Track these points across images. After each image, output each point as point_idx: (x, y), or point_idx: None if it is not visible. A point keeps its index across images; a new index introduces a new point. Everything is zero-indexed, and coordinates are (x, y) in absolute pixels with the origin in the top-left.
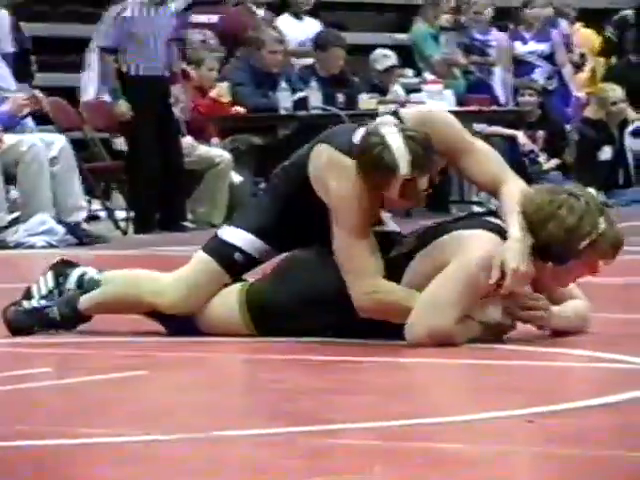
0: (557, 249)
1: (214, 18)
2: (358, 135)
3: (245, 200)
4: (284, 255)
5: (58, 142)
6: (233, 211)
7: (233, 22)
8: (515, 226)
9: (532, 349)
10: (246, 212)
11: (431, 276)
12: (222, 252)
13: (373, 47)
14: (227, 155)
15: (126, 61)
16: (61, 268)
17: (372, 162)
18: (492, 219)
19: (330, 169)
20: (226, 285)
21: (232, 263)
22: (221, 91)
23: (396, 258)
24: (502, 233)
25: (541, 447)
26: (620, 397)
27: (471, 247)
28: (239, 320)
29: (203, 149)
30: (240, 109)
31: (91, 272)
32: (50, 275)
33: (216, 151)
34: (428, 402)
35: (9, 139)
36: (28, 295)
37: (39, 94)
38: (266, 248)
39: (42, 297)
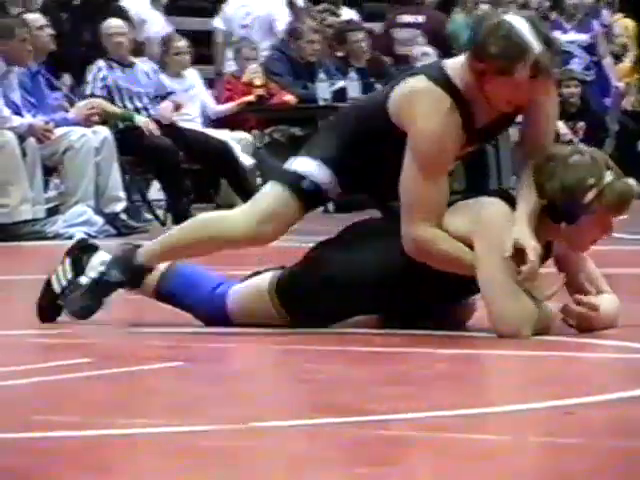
0: (564, 206)
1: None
2: (448, 64)
3: (256, 185)
4: (316, 242)
5: (102, 133)
6: (245, 196)
7: None
8: (524, 206)
9: (568, 340)
10: (314, 143)
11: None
12: (290, 178)
13: None
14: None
15: None
16: (79, 254)
17: (503, 41)
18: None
19: (421, 98)
20: (297, 218)
21: (300, 189)
22: (253, 75)
23: None
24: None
25: (578, 439)
26: None
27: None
28: (270, 307)
29: None
30: (290, 97)
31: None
32: (68, 263)
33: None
34: (467, 393)
35: (58, 131)
36: (49, 286)
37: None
38: (332, 179)
39: (64, 287)
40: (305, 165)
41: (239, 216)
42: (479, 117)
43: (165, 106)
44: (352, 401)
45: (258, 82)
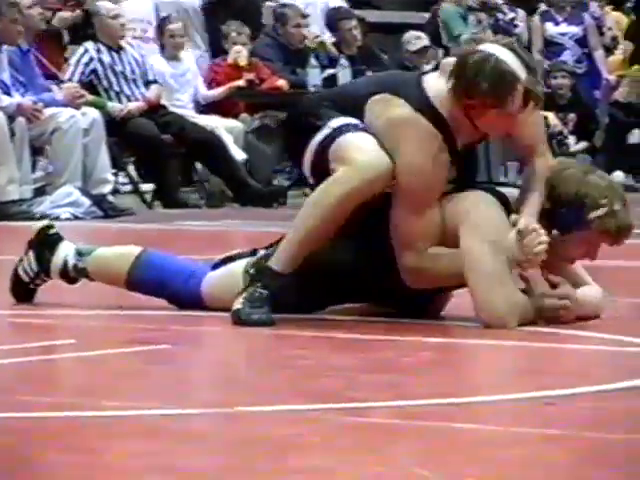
0: (567, 214)
1: None
2: (431, 87)
3: (246, 179)
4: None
5: (90, 114)
6: (240, 189)
7: None
8: (531, 208)
9: (552, 331)
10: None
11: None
12: (350, 128)
13: (404, 26)
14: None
15: None
16: (42, 249)
17: (492, 77)
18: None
19: (408, 131)
20: None
21: (362, 129)
22: (236, 55)
23: None
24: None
25: (559, 430)
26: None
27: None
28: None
29: None
30: (282, 82)
31: (72, 256)
32: (32, 257)
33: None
34: (450, 382)
35: (47, 111)
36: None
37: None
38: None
39: (32, 278)
40: (347, 119)
41: (358, 164)
42: (461, 139)
43: (152, 91)
44: (336, 388)
45: (242, 62)
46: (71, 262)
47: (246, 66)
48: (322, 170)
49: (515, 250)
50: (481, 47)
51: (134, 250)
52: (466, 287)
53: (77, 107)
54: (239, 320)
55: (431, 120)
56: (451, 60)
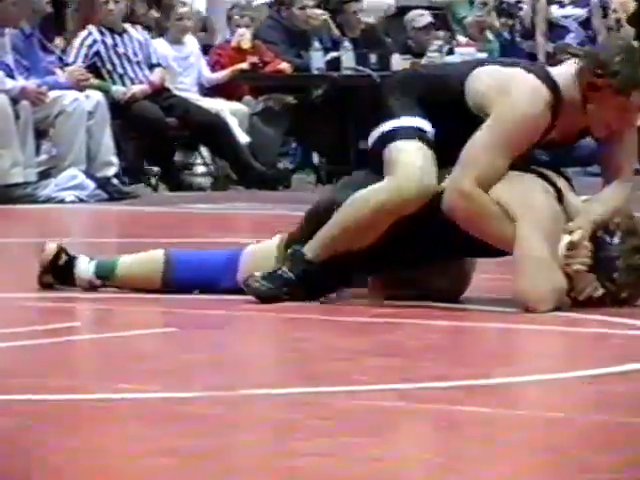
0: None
1: None
2: (557, 74)
3: (251, 162)
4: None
5: (94, 97)
6: (245, 172)
7: None
8: (590, 219)
9: (560, 315)
10: (398, 108)
11: None
12: (413, 132)
13: (407, 8)
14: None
15: None
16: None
17: (630, 64)
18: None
19: (521, 84)
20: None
21: (427, 139)
22: (240, 38)
23: None
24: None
25: (561, 413)
26: None
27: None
28: (277, 262)
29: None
30: (285, 65)
31: (94, 278)
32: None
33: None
34: (454, 365)
35: (51, 94)
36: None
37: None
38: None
39: None
40: (411, 121)
41: (396, 180)
42: (557, 130)
43: (156, 74)
44: (340, 371)
45: (245, 45)
46: (96, 283)
47: (249, 49)
48: (378, 159)
49: (560, 257)
50: (628, 40)
51: (158, 254)
52: (488, 256)
53: (81, 90)
54: (243, 283)
55: (550, 90)
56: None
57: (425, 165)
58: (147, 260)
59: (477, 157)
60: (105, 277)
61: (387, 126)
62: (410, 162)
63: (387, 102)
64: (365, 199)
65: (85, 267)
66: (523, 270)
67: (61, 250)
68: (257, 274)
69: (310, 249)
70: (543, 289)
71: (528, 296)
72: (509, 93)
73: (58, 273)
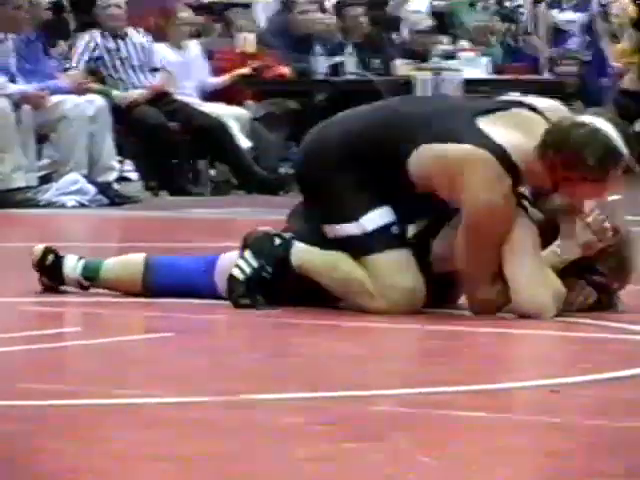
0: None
1: None
2: (497, 136)
3: (252, 167)
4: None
5: (97, 101)
6: (246, 176)
7: None
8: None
9: (560, 319)
10: (349, 200)
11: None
12: (383, 240)
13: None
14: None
15: None
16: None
17: (601, 152)
18: None
19: (473, 164)
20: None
21: (397, 238)
22: (246, 42)
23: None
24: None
25: (563, 417)
26: None
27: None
28: None
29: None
30: (286, 70)
31: (82, 279)
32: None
33: None
34: (455, 370)
35: (52, 99)
36: None
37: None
38: (389, 207)
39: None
40: (372, 220)
41: (390, 302)
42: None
43: (157, 78)
44: (341, 376)
45: (251, 49)
46: (84, 283)
47: (253, 55)
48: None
49: (583, 236)
50: (583, 119)
51: (138, 258)
52: None
53: (82, 94)
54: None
55: (503, 165)
56: (513, 109)
57: (411, 280)
58: (128, 263)
59: (474, 266)
60: (91, 278)
61: (346, 231)
62: (397, 284)
63: (336, 194)
64: (356, 292)
65: (73, 266)
66: (517, 285)
67: (47, 250)
68: (239, 292)
69: (296, 258)
70: (541, 298)
71: (529, 308)
72: (471, 181)
73: (47, 273)
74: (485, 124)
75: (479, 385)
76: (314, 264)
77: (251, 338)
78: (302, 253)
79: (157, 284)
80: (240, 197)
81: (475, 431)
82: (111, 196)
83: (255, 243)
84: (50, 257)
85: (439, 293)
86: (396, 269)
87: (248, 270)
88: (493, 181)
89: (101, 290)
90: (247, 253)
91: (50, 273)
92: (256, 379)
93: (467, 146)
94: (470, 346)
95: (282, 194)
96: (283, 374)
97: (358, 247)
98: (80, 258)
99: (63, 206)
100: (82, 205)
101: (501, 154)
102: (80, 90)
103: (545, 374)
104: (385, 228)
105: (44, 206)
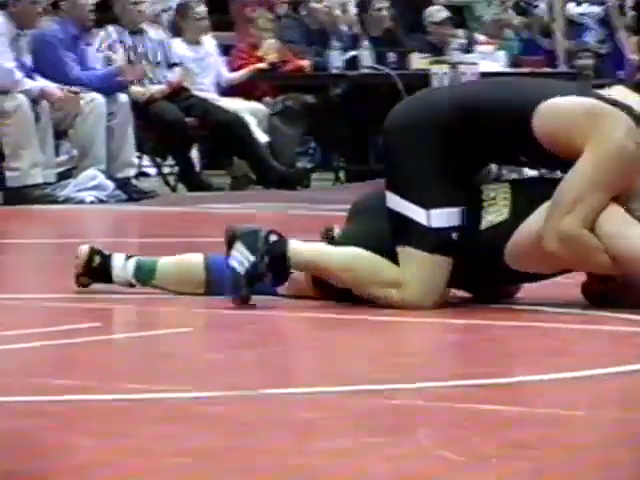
0: None
1: None
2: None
3: (270, 161)
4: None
5: (118, 97)
6: (264, 171)
7: None
8: None
9: (581, 312)
10: (430, 187)
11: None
12: (442, 242)
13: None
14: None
15: None
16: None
17: None
18: None
19: (610, 122)
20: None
21: (452, 245)
22: (267, 49)
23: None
24: None
25: (582, 411)
26: None
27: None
28: (305, 280)
29: None
30: (305, 63)
31: (134, 281)
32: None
33: None
34: (473, 363)
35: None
36: None
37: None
38: (463, 209)
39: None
40: (439, 218)
41: (410, 281)
42: None
43: (175, 74)
44: (359, 370)
45: (272, 57)
46: (135, 283)
47: (277, 61)
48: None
49: None
50: None
51: (197, 257)
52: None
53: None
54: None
55: (634, 119)
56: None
57: (438, 285)
58: (189, 264)
59: (579, 197)
60: (145, 279)
61: (410, 212)
62: (430, 284)
63: (417, 164)
64: (376, 282)
65: (121, 265)
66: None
67: (93, 251)
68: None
69: (295, 255)
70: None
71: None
72: (608, 131)
73: (94, 275)
74: (601, 92)
75: (498, 378)
76: (329, 263)
77: (268, 333)
78: (307, 252)
79: (218, 282)
80: (258, 192)
81: (495, 425)
82: (129, 191)
83: (245, 238)
84: (97, 258)
85: (503, 289)
86: (437, 278)
87: (246, 264)
88: (626, 130)
89: (124, 288)
90: (239, 246)
91: (98, 275)
92: (273, 373)
93: (595, 101)
94: (489, 339)
95: (300, 189)
96: (300, 369)
97: (411, 234)
98: (128, 257)
99: (82, 202)
100: (100, 201)
101: (634, 113)
102: (127, 77)
103: (565, 367)
104: (448, 231)
105: (62, 202)
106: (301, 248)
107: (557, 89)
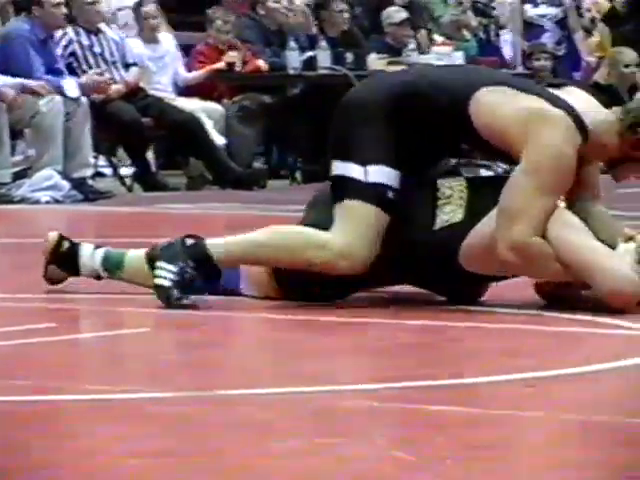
0: None
1: None
2: (570, 99)
3: (226, 162)
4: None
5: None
6: (221, 172)
7: None
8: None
9: (541, 313)
10: (369, 147)
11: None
12: (377, 195)
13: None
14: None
15: None
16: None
17: None
18: None
19: (549, 125)
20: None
21: (388, 202)
22: (233, 58)
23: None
24: None
25: (540, 411)
26: (622, 363)
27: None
28: (269, 282)
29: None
30: (261, 63)
31: (101, 270)
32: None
33: None
34: (428, 364)
35: (25, 95)
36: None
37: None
38: (400, 175)
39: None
40: (383, 174)
41: (335, 238)
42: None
43: (132, 74)
44: (315, 371)
45: (238, 67)
46: (102, 274)
47: (227, 50)
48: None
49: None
50: None
51: None
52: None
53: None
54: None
55: (576, 124)
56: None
57: (369, 237)
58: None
59: (523, 206)
60: (112, 270)
61: (349, 170)
62: (358, 233)
63: (359, 131)
64: (302, 248)
65: (89, 254)
66: (597, 263)
67: (62, 238)
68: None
69: (217, 250)
70: (631, 276)
71: (621, 288)
72: (544, 132)
73: (62, 261)
74: (553, 91)
75: (454, 379)
76: (251, 246)
77: (227, 333)
78: (227, 245)
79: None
80: (214, 192)
81: (449, 426)
82: (85, 192)
83: (163, 253)
84: (65, 244)
85: (461, 292)
86: (366, 228)
87: (170, 276)
88: (565, 133)
89: (76, 284)
90: (159, 264)
91: (65, 262)
92: (233, 374)
93: (536, 100)
94: (447, 340)
95: (256, 189)
96: (259, 369)
97: (348, 190)
98: (96, 247)
99: (37, 202)
100: (56, 201)
101: (574, 114)
102: (100, 92)
103: (521, 368)
104: (384, 187)
105: (18, 202)
106: (220, 242)
107: (500, 79)
